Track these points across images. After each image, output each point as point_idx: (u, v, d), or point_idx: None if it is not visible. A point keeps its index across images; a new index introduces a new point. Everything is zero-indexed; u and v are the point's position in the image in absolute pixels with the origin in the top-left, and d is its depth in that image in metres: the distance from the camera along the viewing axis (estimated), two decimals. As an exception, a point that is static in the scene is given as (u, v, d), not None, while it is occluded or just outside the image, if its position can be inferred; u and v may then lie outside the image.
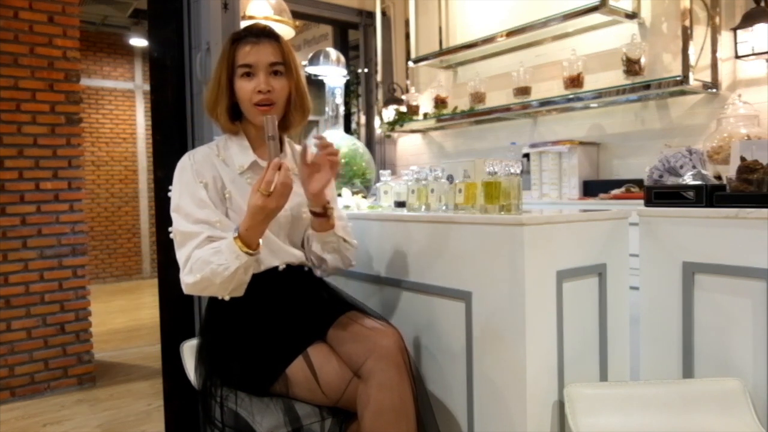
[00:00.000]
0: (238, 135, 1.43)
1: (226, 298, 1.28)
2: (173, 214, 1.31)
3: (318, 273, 1.51)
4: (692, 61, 2.34)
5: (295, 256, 1.44)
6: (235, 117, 1.41)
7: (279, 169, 1.18)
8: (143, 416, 2.72)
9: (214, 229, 1.28)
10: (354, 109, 4.15)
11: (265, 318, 1.37)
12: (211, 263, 1.22)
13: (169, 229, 1.31)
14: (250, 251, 1.22)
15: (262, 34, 1.38)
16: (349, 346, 1.30)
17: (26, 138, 3.00)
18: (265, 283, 1.38)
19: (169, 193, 1.35)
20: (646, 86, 2.45)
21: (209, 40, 1.97)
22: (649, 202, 1.46)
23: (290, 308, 1.39)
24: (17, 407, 2.88)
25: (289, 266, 1.43)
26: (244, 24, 2.22)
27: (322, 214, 1.39)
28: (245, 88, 1.35)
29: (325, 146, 1.34)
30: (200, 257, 1.23)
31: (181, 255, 1.28)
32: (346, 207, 1.94)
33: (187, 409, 2.01)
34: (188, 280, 1.25)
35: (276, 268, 1.41)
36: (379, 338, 1.27)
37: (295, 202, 1.44)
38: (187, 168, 1.35)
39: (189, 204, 1.30)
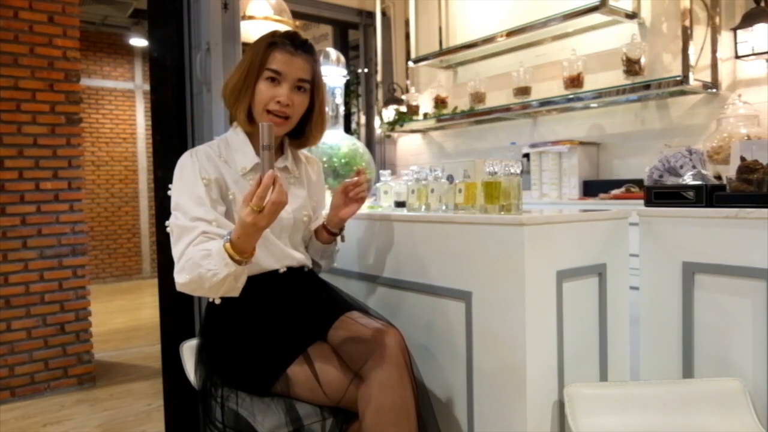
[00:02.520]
0: (240, 135, 1.42)
1: (217, 300, 1.27)
2: (173, 212, 1.30)
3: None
4: (692, 61, 2.34)
5: (296, 258, 1.45)
6: (252, 117, 1.39)
7: (273, 184, 1.10)
8: (143, 416, 2.72)
9: (210, 226, 1.26)
10: (354, 109, 4.15)
11: (266, 318, 1.37)
12: (200, 266, 1.17)
13: (166, 223, 1.30)
14: (241, 259, 1.16)
15: (301, 46, 1.37)
16: (350, 346, 1.30)
17: (26, 138, 3.00)
18: (266, 285, 1.38)
19: (169, 192, 1.34)
20: (646, 86, 2.45)
21: (209, 40, 1.97)
22: (649, 202, 1.46)
23: (290, 309, 1.39)
24: (17, 407, 2.88)
25: (289, 269, 1.43)
26: (244, 24, 2.22)
27: (336, 234, 1.54)
28: (265, 92, 1.34)
29: (360, 183, 1.48)
30: (191, 257, 1.20)
31: (176, 251, 1.25)
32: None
33: (187, 409, 2.01)
34: (179, 279, 1.22)
35: (276, 271, 1.41)
36: (380, 338, 1.27)
37: (297, 205, 1.44)
38: (187, 165, 1.33)
39: (187, 201, 1.28)
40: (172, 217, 1.29)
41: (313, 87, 1.40)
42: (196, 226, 1.24)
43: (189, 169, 1.32)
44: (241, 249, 1.16)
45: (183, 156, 1.37)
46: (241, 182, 1.37)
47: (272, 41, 1.36)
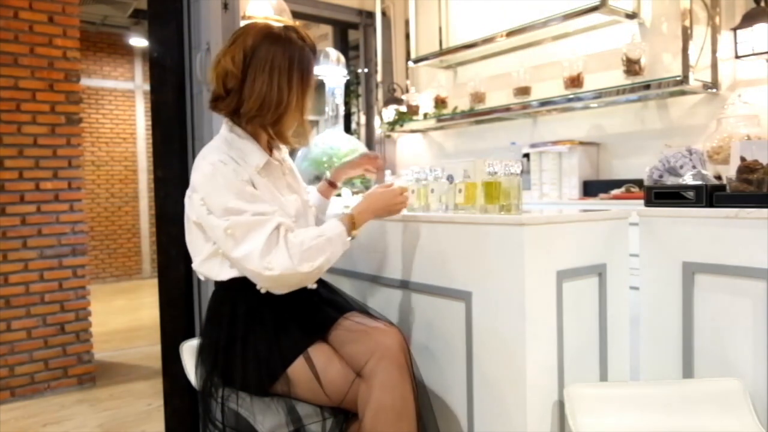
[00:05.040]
0: (241, 136, 1.38)
1: (314, 285, 1.38)
2: (220, 220, 1.24)
3: None
4: (692, 61, 2.34)
5: None
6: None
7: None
8: (143, 416, 2.72)
9: (277, 216, 1.26)
10: (354, 109, 4.15)
11: (266, 318, 1.37)
12: (325, 252, 1.28)
13: (225, 226, 1.23)
14: (355, 232, 1.36)
15: None
16: (351, 347, 1.30)
17: (26, 138, 3.00)
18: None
19: (201, 206, 1.27)
20: (646, 86, 2.45)
21: (209, 40, 1.97)
22: (649, 202, 1.46)
23: (291, 309, 1.39)
24: (17, 407, 2.88)
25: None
26: (244, 24, 2.21)
27: (334, 185, 1.72)
28: (309, 103, 1.41)
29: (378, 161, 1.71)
30: (311, 246, 1.27)
31: (249, 247, 1.22)
32: (346, 207, 1.94)
33: (187, 409, 2.01)
34: (304, 268, 1.25)
35: None
36: (380, 338, 1.27)
37: (301, 192, 1.48)
38: (220, 170, 1.27)
39: (239, 202, 1.24)
40: (225, 222, 1.24)
41: None
42: (267, 219, 1.25)
43: (223, 173, 1.27)
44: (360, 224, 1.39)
45: (208, 164, 1.29)
46: (259, 180, 1.34)
47: (314, 54, 1.41)
